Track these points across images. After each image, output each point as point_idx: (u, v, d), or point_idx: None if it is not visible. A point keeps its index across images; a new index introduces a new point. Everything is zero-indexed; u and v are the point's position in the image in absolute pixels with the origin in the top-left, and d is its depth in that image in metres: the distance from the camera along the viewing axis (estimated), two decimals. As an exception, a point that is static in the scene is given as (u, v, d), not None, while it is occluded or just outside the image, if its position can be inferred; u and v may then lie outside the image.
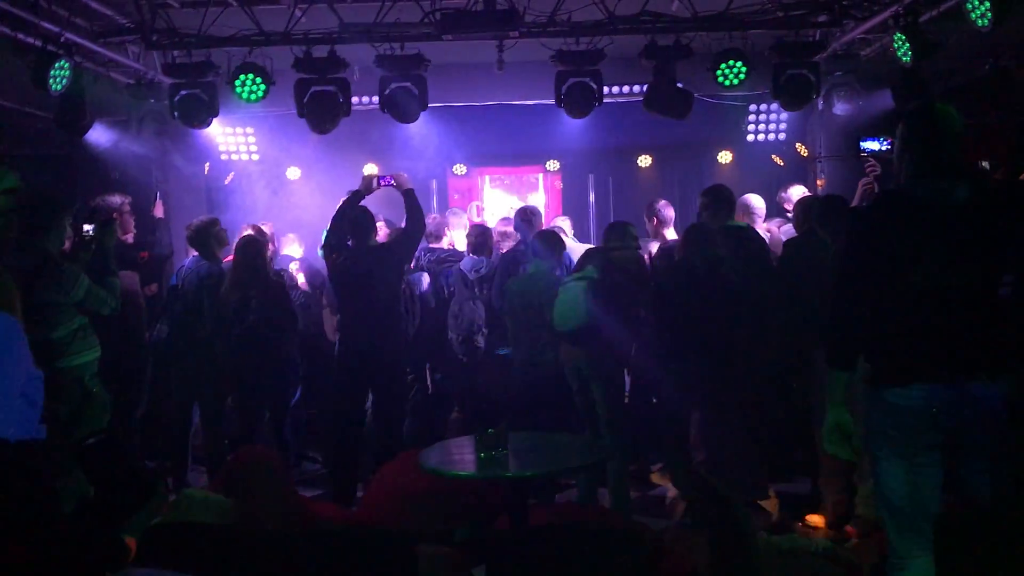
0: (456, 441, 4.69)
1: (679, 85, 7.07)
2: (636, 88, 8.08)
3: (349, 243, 5.92)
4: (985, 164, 6.17)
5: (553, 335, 5.64)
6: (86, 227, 4.87)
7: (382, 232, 6.67)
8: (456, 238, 7.29)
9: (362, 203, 6.02)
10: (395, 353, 5.97)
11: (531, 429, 5.02)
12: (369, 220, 5.97)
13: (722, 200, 5.73)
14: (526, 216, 6.69)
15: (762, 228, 6.66)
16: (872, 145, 5.23)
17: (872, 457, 3.06)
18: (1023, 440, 3.72)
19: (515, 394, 5.95)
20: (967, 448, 2.94)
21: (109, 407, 4.55)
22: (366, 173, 6.63)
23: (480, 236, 6.78)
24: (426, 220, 6.56)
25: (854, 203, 5.91)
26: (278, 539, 2.84)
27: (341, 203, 6.02)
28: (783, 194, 7.12)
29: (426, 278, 6.69)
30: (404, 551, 2.93)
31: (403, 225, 6.18)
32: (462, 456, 4.24)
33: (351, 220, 5.91)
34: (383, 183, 6.08)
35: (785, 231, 6.77)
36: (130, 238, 6.58)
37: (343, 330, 6.10)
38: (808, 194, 6.77)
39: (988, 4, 5.29)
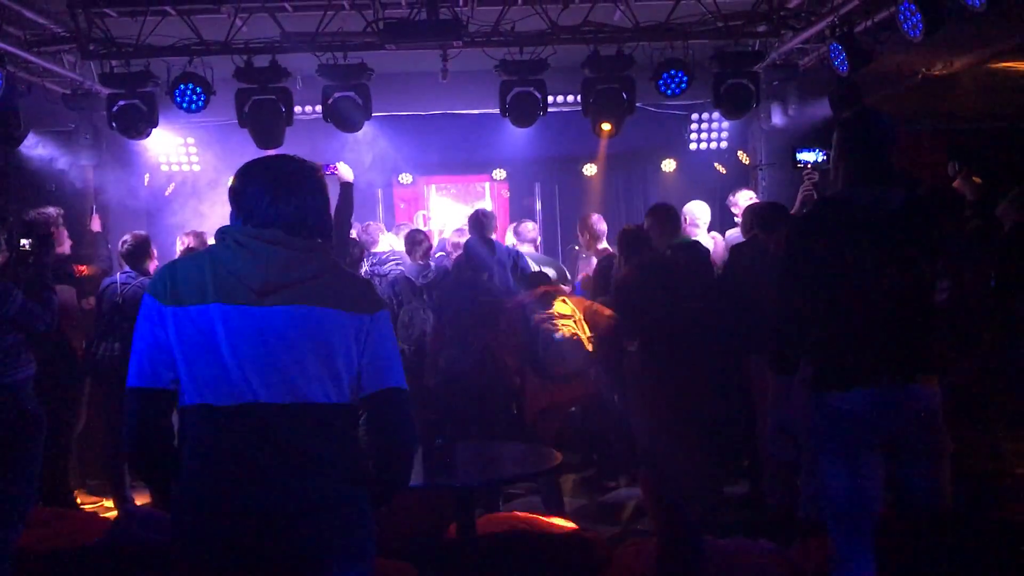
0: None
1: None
2: (580, 97, 8.14)
3: None
4: (955, 168, 6.30)
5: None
6: (23, 241, 4.74)
7: None
8: (387, 244, 7.28)
9: None
10: None
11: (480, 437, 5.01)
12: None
13: (670, 219, 5.81)
14: (478, 220, 6.69)
15: (706, 236, 6.76)
16: (808, 156, 5.32)
17: (815, 459, 3.11)
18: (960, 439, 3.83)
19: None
20: (907, 449, 2.99)
21: (45, 425, 4.42)
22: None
23: (416, 240, 6.79)
24: (354, 229, 6.53)
25: (794, 210, 6.02)
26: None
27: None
28: (731, 198, 7.24)
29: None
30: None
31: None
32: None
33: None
34: (327, 171, 6.00)
35: (731, 236, 6.88)
36: (66, 250, 6.43)
37: None
38: (755, 200, 6.88)
39: (920, 15, 5.43)
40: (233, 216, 2.30)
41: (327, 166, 5.98)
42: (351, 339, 2.18)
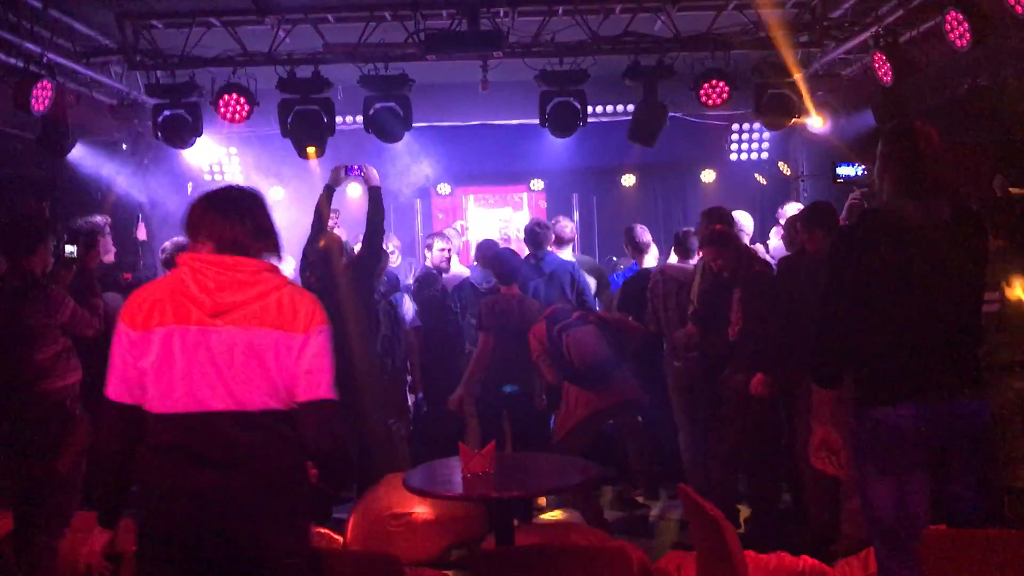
0: (441, 462, 4.66)
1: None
2: (620, 108, 8.15)
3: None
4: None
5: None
6: (68, 248, 4.83)
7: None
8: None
9: (338, 227, 5.94)
10: (367, 375, 5.87)
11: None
12: (336, 244, 5.87)
13: (724, 223, 5.72)
14: (534, 230, 6.69)
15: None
16: (847, 171, 5.26)
17: (859, 475, 3.06)
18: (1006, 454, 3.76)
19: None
20: (954, 466, 2.94)
21: (91, 431, 4.49)
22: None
23: (490, 251, 6.77)
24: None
25: (842, 220, 5.95)
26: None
27: (316, 204, 5.97)
28: (780, 211, 7.18)
29: (407, 301, 6.59)
30: (393, 574, 2.90)
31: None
32: (447, 477, 4.22)
33: (318, 250, 5.84)
34: (351, 173, 6.01)
35: (775, 249, 6.81)
36: (111, 258, 6.53)
37: None
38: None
39: (967, 25, 5.35)
40: (190, 243, 2.58)
41: (352, 168, 5.99)
42: (287, 354, 2.49)
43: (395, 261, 7.54)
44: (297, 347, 2.50)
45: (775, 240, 7.01)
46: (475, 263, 7.31)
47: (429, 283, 6.82)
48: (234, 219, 2.54)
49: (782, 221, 6.95)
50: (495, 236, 9.54)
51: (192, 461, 2.43)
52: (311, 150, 7.06)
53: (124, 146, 7.62)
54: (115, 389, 2.51)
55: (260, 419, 2.47)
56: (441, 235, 7.32)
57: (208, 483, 2.43)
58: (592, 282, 6.84)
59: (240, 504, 2.44)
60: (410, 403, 6.70)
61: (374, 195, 5.88)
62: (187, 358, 2.45)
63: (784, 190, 9.15)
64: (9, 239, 4.46)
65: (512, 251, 6.47)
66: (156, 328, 2.46)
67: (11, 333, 4.25)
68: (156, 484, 2.46)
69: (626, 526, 5.82)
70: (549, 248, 6.65)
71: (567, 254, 6.93)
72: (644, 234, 6.78)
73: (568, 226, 7.17)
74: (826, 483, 5.00)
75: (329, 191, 5.94)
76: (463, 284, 6.73)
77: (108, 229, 6.36)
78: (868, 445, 2.99)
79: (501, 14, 6.54)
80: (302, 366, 2.51)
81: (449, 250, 7.01)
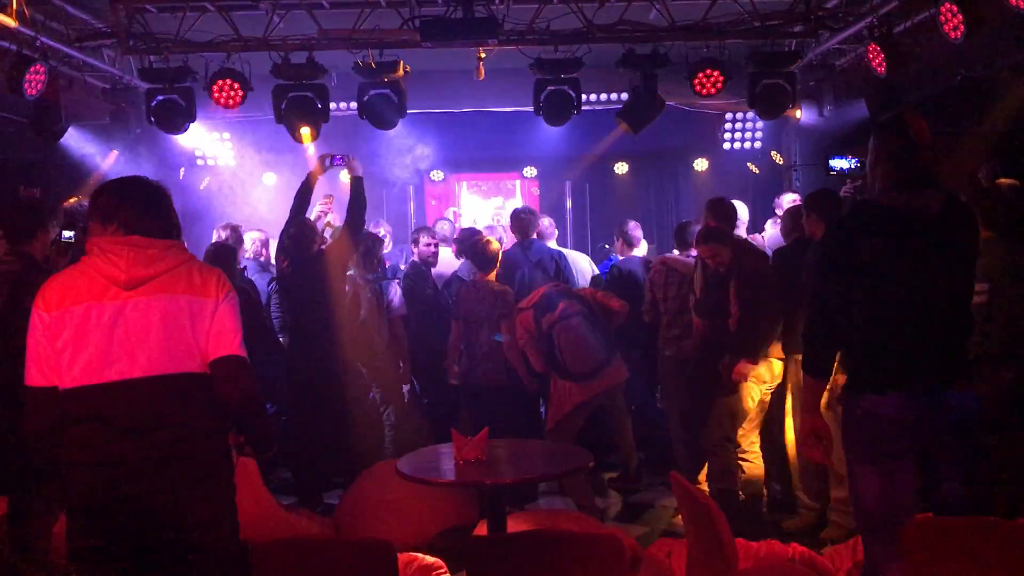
0: (433, 448, 4.69)
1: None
2: (613, 96, 8.15)
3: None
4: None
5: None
6: (66, 233, 4.82)
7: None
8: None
9: (332, 211, 5.94)
10: (342, 362, 5.90)
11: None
12: (308, 231, 5.90)
13: (727, 214, 5.73)
14: (520, 216, 6.70)
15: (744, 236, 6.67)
16: (840, 163, 5.27)
17: (848, 463, 3.09)
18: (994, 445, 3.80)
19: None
20: (941, 456, 2.98)
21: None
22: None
23: (467, 241, 6.76)
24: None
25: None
26: (255, 549, 2.82)
27: (297, 191, 5.98)
28: (777, 200, 7.20)
29: (396, 290, 6.61)
30: (385, 560, 2.92)
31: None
32: (440, 464, 4.25)
33: (290, 235, 5.83)
34: (336, 162, 6.04)
35: (771, 239, 6.82)
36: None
37: (291, 340, 6.09)
38: (798, 203, 6.81)
39: (961, 16, 5.36)
40: (98, 229, 2.71)
41: (335, 158, 6.01)
42: (199, 319, 2.65)
43: (387, 247, 7.53)
44: (208, 312, 2.66)
45: (771, 230, 7.02)
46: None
47: (419, 280, 6.79)
48: (150, 213, 2.72)
49: (779, 211, 6.97)
50: (489, 224, 9.54)
51: (108, 431, 2.56)
52: (305, 131, 7.06)
53: (124, 130, 7.58)
54: (33, 375, 2.64)
55: (177, 382, 2.61)
56: (427, 229, 7.24)
57: (123, 452, 2.55)
58: (587, 269, 6.88)
59: (155, 471, 2.56)
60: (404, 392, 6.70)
61: (356, 185, 5.89)
62: (104, 332, 2.58)
63: (777, 180, 9.18)
64: (9, 224, 4.45)
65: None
66: (71, 307, 2.60)
67: (11, 318, 4.24)
68: (72, 458, 2.58)
69: (617, 513, 5.86)
70: (534, 236, 6.67)
71: (551, 245, 6.97)
72: (637, 230, 6.81)
73: (546, 221, 7.19)
74: (815, 471, 5.05)
75: (311, 179, 5.96)
76: (451, 279, 6.74)
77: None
78: (856, 433, 3.02)
79: (496, 1, 6.53)
80: (214, 328, 2.66)
81: (436, 244, 6.97)
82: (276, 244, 6.05)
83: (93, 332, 2.59)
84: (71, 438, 2.59)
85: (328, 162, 6.00)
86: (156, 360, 2.59)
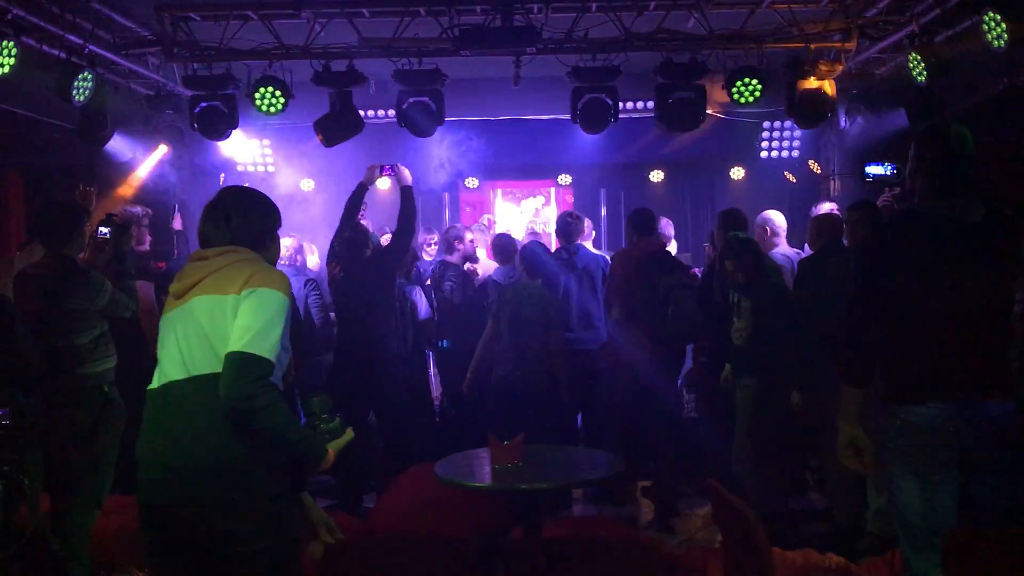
0: (470, 453, 4.71)
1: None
2: (650, 104, 8.14)
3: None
4: None
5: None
6: (101, 230, 4.91)
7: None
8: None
9: (369, 217, 6.02)
10: (390, 366, 5.95)
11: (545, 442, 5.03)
12: (361, 236, 5.98)
13: (736, 223, 5.74)
14: (566, 221, 6.70)
15: (787, 247, 6.61)
16: (876, 170, 5.23)
17: (887, 474, 3.08)
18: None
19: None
20: (981, 466, 2.95)
21: (125, 415, 4.58)
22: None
23: (504, 246, 6.79)
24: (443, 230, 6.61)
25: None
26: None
27: (347, 200, 6.05)
28: (814, 209, 7.15)
29: (420, 295, 6.64)
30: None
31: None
32: (477, 468, 4.27)
33: (344, 240, 5.91)
34: (385, 172, 6.12)
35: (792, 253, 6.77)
36: (145, 247, 6.63)
37: (338, 343, 6.14)
38: (835, 211, 6.76)
39: (1004, 25, 5.31)
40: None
41: (385, 168, 6.08)
42: (219, 316, 2.60)
43: (432, 254, 7.59)
44: (229, 308, 2.59)
45: None
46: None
47: (465, 282, 6.83)
48: (218, 220, 2.81)
49: None
50: (523, 230, 9.58)
51: (157, 432, 2.63)
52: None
53: (168, 136, 7.71)
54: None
55: (208, 382, 2.56)
56: (462, 227, 7.37)
57: (165, 453, 2.59)
58: None
59: (199, 481, 2.54)
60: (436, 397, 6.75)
61: (406, 194, 5.97)
62: (162, 341, 2.71)
63: (814, 189, 9.12)
64: (46, 226, 4.54)
65: (540, 244, 6.50)
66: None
67: (52, 318, 4.33)
68: (140, 464, 2.66)
69: (654, 520, 5.84)
70: (580, 241, 6.68)
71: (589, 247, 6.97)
72: (669, 228, 6.79)
73: (585, 223, 7.17)
74: (852, 480, 5.02)
75: (362, 188, 6.03)
76: (486, 282, 6.77)
77: (147, 220, 6.47)
78: (896, 443, 3.00)
79: (535, 10, 6.57)
80: (235, 325, 2.57)
81: (473, 241, 7.08)
82: (327, 250, 6.12)
83: (159, 342, 2.74)
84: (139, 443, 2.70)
85: (378, 172, 6.09)
86: (188, 362, 2.62)
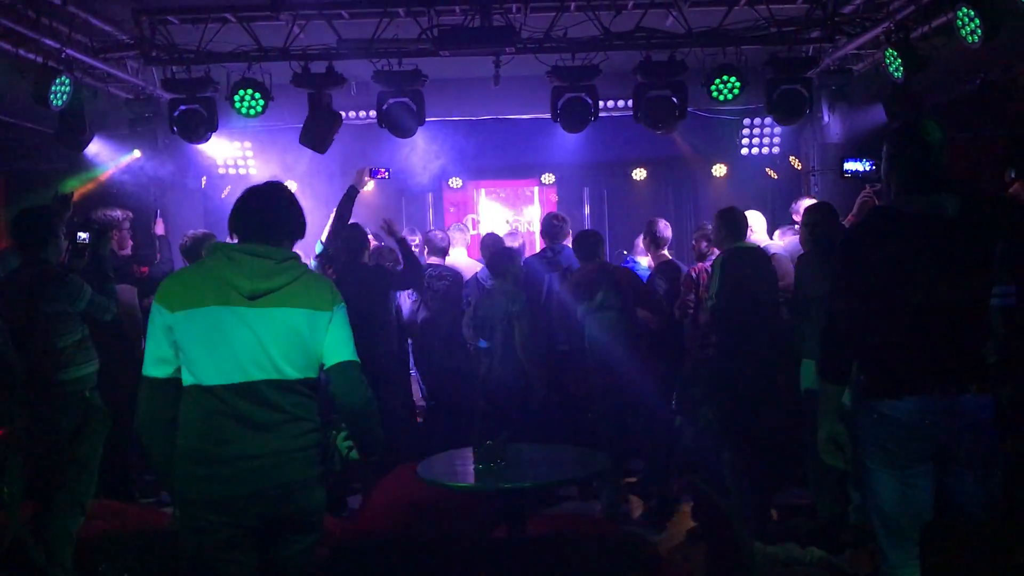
0: (454, 452, 4.71)
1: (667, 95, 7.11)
2: (631, 103, 8.16)
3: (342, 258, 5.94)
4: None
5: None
6: (80, 235, 4.89)
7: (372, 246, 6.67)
8: (455, 254, 7.29)
9: (353, 218, 6.04)
10: (376, 371, 5.95)
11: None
12: (360, 237, 5.98)
13: (737, 223, 5.73)
14: (551, 222, 6.72)
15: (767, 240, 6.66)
16: (855, 166, 5.25)
17: (863, 468, 3.10)
18: (1014, 450, 3.78)
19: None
20: (957, 460, 2.97)
21: (109, 420, 4.56)
22: None
23: (493, 246, 6.80)
24: (433, 233, 6.68)
25: (852, 216, 5.98)
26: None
27: (338, 204, 6.04)
28: (794, 206, 7.18)
29: (404, 298, 6.62)
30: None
31: (399, 267, 6.29)
32: (461, 467, 4.27)
33: (343, 238, 5.91)
34: (375, 176, 6.12)
35: (790, 245, 6.80)
36: (127, 251, 6.60)
37: None
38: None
39: (978, 21, 5.35)
40: (229, 235, 2.96)
41: (375, 171, 6.08)
42: (317, 329, 2.88)
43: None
44: (325, 322, 2.89)
45: (779, 240, 6.96)
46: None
47: (453, 282, 6.85)
48: (269, 219, 2.91)
49: (796, 217, 6.93)
50: (502, 229, 9.60)
51: (240, 424, 2.75)
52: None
53: (147, 140, 7.69)
54: (151, 366, 2.82)
55: (297, 386, 2.83)
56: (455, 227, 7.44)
57: (252, 445, 2.75)
58: None
59: (278, 462, 2.77)
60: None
61: (404, 249, 6.11)
62: (230, 335, 2.76)
63: (795, 185, 9.17)
64: (21, 231, 4.52)
65: (509, 249, 6.52)
66: (195, 308, 2.76)
67: (31, 323, 4.31)
68: (203, 448, 2.75)
69: (637, 517, 5.87)
70: (565, 242, 6.69)
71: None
72: (666, 230, 6.77)
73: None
74: (834, 475, 5.05)
75: (354, 192, 6.01)
76: (470, 281, 6.78)
77: (127, 224, 6.44)
78: (873, 437, 3.03)
79: (513, 10, 6.57)
80: (329, 337, 2.90)
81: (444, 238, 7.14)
82: (318, 253, 6.12)
83: (220, 335, 2.76)
84: (201, 430, 2.76)
85: (368, 175, 6.09)
86: (280, 365, 2.79)
